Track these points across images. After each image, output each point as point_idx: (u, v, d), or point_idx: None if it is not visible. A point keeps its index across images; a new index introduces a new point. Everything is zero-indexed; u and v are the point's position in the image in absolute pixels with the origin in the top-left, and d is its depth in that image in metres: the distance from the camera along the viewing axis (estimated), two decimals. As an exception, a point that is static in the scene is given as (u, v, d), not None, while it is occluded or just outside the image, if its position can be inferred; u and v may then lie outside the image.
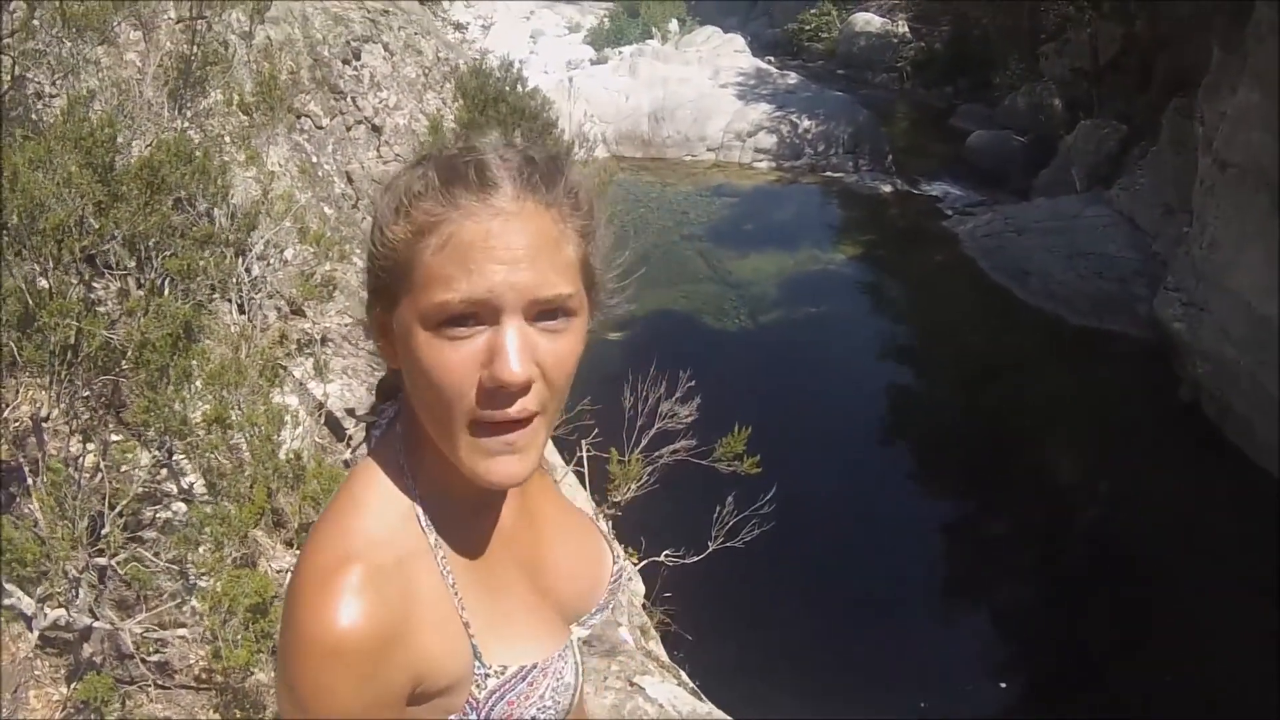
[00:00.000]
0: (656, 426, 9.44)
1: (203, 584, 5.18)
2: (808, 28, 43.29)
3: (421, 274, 1.65)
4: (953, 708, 12.84)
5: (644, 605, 9.94)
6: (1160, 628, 13.72)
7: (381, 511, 1.72)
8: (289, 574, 1.69)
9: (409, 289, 1.67)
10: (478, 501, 1.86)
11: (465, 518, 1.83)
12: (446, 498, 1.78)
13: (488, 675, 1.78)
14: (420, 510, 1.74)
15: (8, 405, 5.59)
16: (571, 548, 2.10)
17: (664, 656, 8.79)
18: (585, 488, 9.96)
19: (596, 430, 9.67)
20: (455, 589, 1.75)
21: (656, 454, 9.43)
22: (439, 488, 1.77)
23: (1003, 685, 13.26)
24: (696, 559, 9.74)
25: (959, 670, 13.64)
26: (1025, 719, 12.91)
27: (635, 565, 10.09)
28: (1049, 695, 13.17)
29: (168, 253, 5.78)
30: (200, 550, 5.12)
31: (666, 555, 9.99)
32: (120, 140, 6.02)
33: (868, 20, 41.04)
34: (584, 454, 9.63)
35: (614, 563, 2.21)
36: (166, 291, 5.82)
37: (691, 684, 8.10)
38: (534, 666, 1.86)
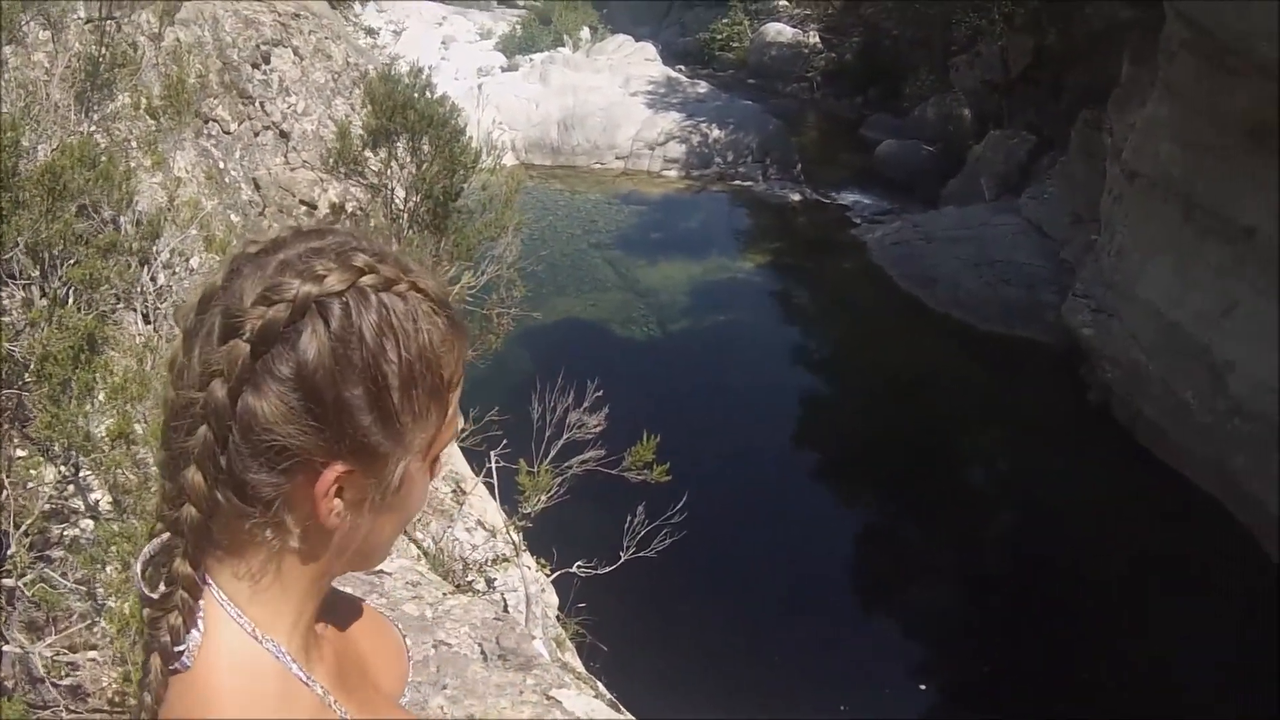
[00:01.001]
0: (565, 437, 9.37)
1: (111, 604, 5.04)
2: (719, 37, 43.51)
3: (446, 418, 1.65)
4: (872, 709, 12.89)
5: (558, 617, 9.87)
6: (1075, 628, 13.84)
7: (273, 689, 1.56)
8: None
9: (428, 439, 1.63)
10: (313, 630, 1.71)
11: (323, 651, 1.72)
12: (306, 641, 1.66)
13: None
14: (293, 666, 1.59)
15: (-94, 419, 5.45)
16: (371, 635, 1.97)
17: (580, 668, 8.72)
18: (495, 499, 9.88)
19: (505, 441, 9.59)
20: None
21: (566, 464, 9.36)
22: (297, 635, 1.63)
23: (921, 687, 13.33)
24: (609, 569, 9.68)
25: (877, 673, 13.75)
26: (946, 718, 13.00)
27: (548, 576, 10.02)
28: (966, 696, 13.27)
29: (71, 261, 5.63)
30: (108, 570, 4.98)
31: (579, 566, 9.92)
32: (25, 144, 5.87)
33: (779, 30, 41.27)
34: (493, 465, 9.53)
35: (405, 639, 2.14)
36: (70, 301, 5.68)
37: (609, 695, 8.03)
38: None
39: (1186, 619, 13.85)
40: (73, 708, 5.33)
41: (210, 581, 1.55)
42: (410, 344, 1.53)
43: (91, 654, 5.52)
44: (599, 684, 8.19)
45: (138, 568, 1.59)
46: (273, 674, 1.55)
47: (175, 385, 1.51)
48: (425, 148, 9.94)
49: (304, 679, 1.59)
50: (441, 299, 1.61)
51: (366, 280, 1.50)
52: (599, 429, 9.41)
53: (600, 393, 9.64)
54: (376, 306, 1.50)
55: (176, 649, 1.51)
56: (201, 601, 1.54)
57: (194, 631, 1.52)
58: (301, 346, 1.45)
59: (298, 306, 1.45)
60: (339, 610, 1.85)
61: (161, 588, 1.54)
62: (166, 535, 1.56)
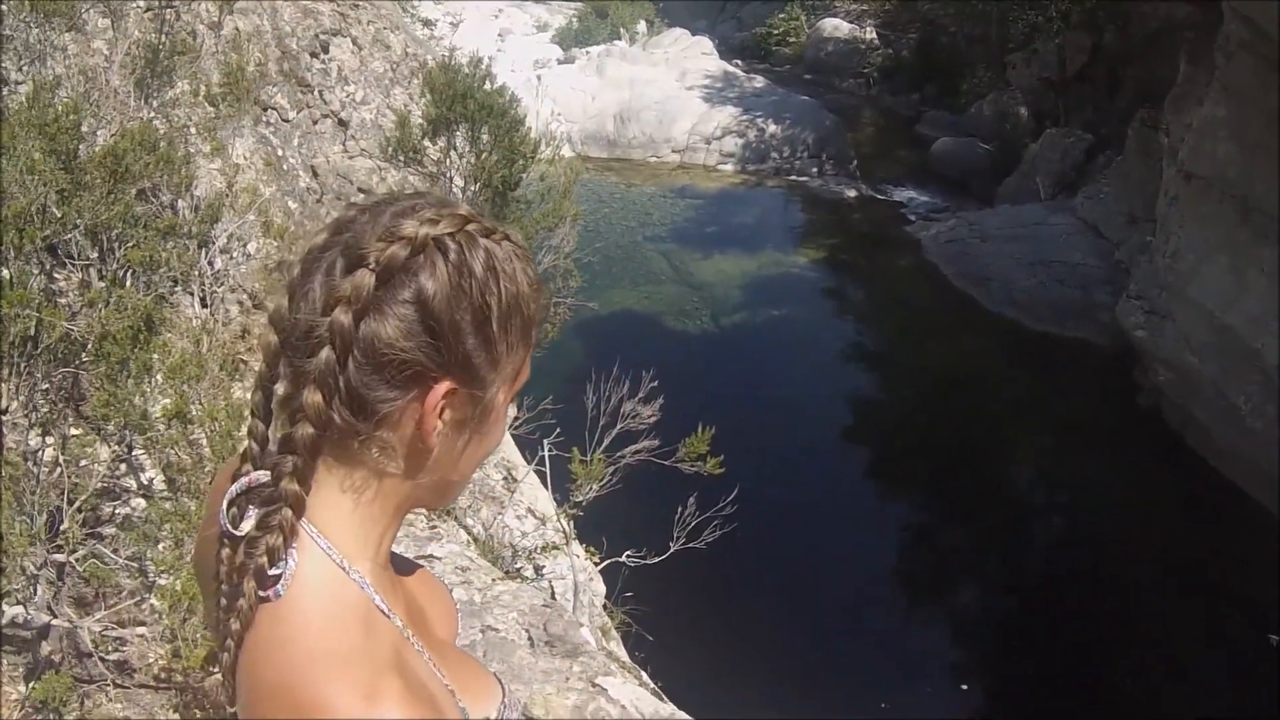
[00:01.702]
0: (620, 426, 9.40)
1: (162, 582, 5.10)
2: (775, 32, 43.34)
3: (527, 355, 1.84)
4: (913, 709, 12.87)
5: (605, 606, 9.90)
6: (1120, 632, 13.76)
7: (358, 619, 1.66)
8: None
9: (514, 371, 1.82)
10: (389, 564, 1.84)
11: (397, 591, 1.81)
12: (385, 578, 1.77)
13: None
14: (376, 598, 1.69)
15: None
16: (426, 589, 2.07)
17: (625, 657, 8.75)
18: (547, 487, 9.91)
19: (559, 429, 9.63)
20: (429, 660, 1.77)
21: (619, 454, 9.38)
22: (377, 566, 1.75)
23: (964, 687, 13.27)
24: (658, 559, 9.71)
25: (919, 672, 13.69)
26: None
27: (596, 566, 10.05)
28: (1009, 698, 13.21)
29: (130, 244, 5.69)
30: (160, 547, 5.04)
31: (628, 556, 9.95)
32: (85, 128, 5.94)
33: (836, 26, 41.10)
34: (546, 453, 9.57)
35: (453, 598, 2.21)
36: (128, 283, 5.74)
37: (653, 684, 8.06)
38: (504, 703, 1.92)
39: (1233, 628, 13.77)
40: (120, 682, 5.39)
41: (304, 517, 1.67)
42: (509, 283, 1.72)
43: (140, 630, 5.58)
44: (643, 673, 8.22)
45: (223, 506, 1.71)
46: (359, 606, 1.66)
47: (285, 322, 1.66)
48: (485, 137, 9.97)
49: (385, 610, 1.69)
50: (527, 249, 1.80)
51: (472, 227, 1.70)
52: (653, 419, 9.44)
53: (655, 383, 9.68)
54: (483, 248, 1.70)
55: (272, 572, 1.62)
56: (293, 549, 1.65)
57: (288, 562, 1.63)
58: (423, 276, 1.63)
59: (418, 244, 1.63)
60: (397, 563, 1.92)
61: (253, 516, 1.68)
62: (250, 476, 1.72)
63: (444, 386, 1.67)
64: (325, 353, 1.59)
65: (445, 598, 2.14)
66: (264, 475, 1.72)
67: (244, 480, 1.73)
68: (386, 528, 1.78)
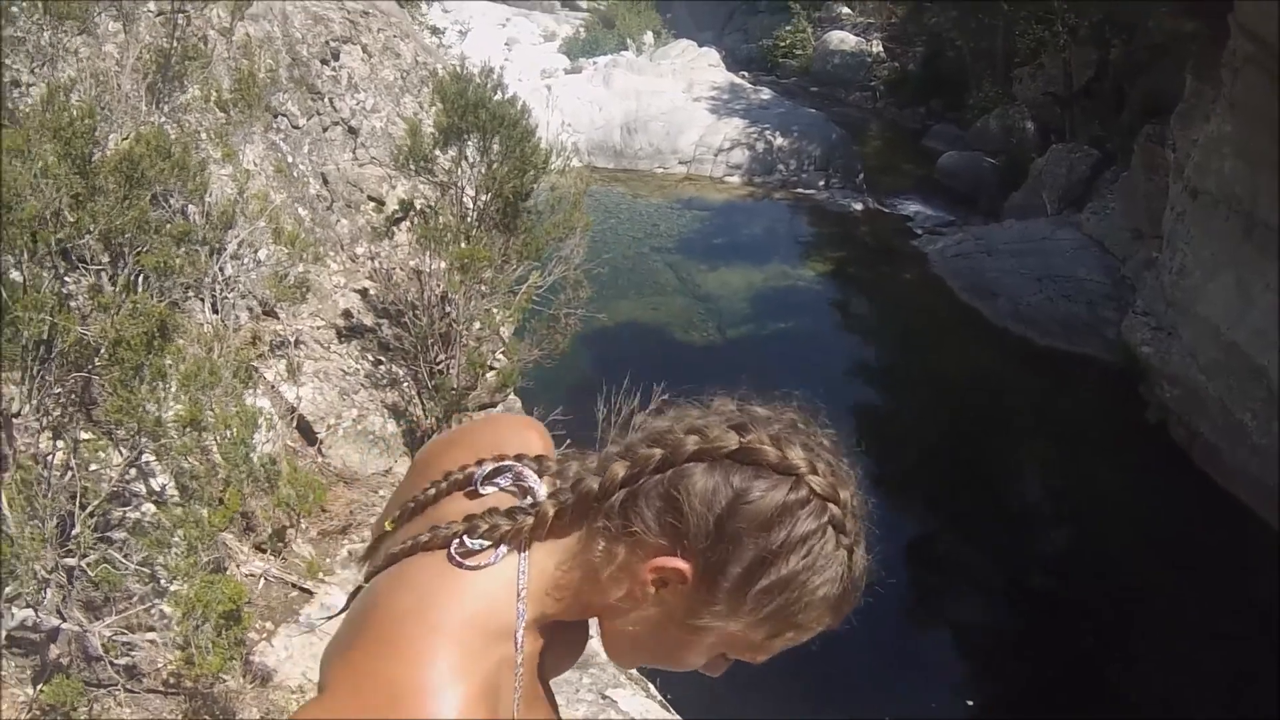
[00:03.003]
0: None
1: (173, 588, 5.09)
2: (782, 44, 43.35)
3: (761, 643, 1.80)
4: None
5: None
6: (1125, 646, 13.75)
7: (495, 632, 1.71)
8: (374, 647, 1.62)
9: (739, 639, 1.78)
10: (554, 639, 1.87)
11: (539, 637, 1.83)
12: (540, 623, 1.80)
13: None
14: (519, 632, 1.73)
15: (-27, 400, 5.50)
16: (561, 641, 1.99)
17: (633, 669, 8.74)
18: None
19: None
20: (518, 700, 1.77)
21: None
22: (539, 617, 1.78)
23: (969, 702, 13.27)
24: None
25: (923, 684, 13.70)
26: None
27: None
28: (1014, 711, 13.19)
29: (143, 249, 5.69)
30: (171, 553, 5.03)
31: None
32: (97, 133, 5.93)
33: (842, 39, 41.16)
34: (555, 466, 9.57)
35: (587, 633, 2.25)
36: (140, 289, 5.73)
37: (660, 697, 8.05)
38: None
39: (1237, 645, 13.76)
40: (128, 686, 5.38)
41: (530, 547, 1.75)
42: (809, 574, 1.70)
43: (150, 635, 5.57)
44: (650, 685, 8.22)
45: (485, 467, 1.87)
46: (502, 623, 1.70)
47: (655, 423, 1.81)
48: (496, 147, 9.97)
49: (518, 644, 1.72)
50: (856, 578, 1.80)
51: (833, 509, 1.70)
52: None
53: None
54: (819, 530, 1.69)
55: (479, 540, 1.72)
56: (505, 548, 1.73)
57: (495, 554, 1.73)
58: (760, 486, 1.66)
59: (787, 465, 1.67)
60: None
61: (492, 492, 1.84)
62: (528, 469, 1.85)
63: (681, 563, 1.67)
64: (655, 450, 1.69)
65: (575, 654, 2.11)
66: (534, 481, 1.84)
67: (521, 467, 1.86)
68: (567, 613, 1.80)
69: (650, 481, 1.68)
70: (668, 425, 1.75)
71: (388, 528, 1.94)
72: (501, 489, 1.86)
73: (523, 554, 1.75)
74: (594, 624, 1.97)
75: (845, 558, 1.74)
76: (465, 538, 1.73)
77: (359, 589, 1.89)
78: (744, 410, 1.78)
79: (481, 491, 1.85)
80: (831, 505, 1.70)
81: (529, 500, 1.80)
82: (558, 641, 1.92)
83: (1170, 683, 13.30)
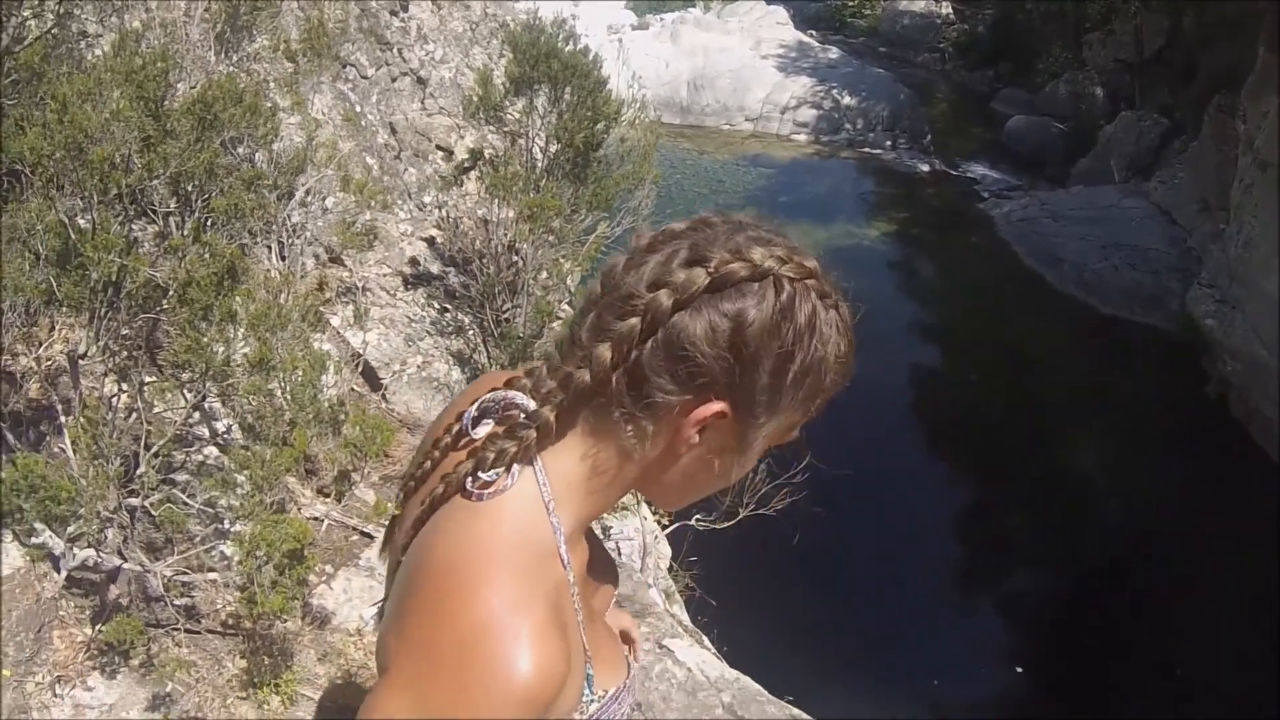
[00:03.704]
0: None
1: (236, 529, 5.14)
2: (851, 3, 43.02)
3: (800, 420, 1.87)
4: (965, 688, 12.89)
5: (670, 569, 9.94)
6: (1177, 624, 13.71)
7: (540, 552, 1.74)
8: (437, 600, 1.67)
9: (783, 427, 1.85)
10: (581, 532, 1.90)
11: (579, 552, 1.86)
12: (575, 538, 1.83)
13: (591, 701, 1.85)
14: (562, 547, 1.76)
15: (41, 344, 5.56)
16: (599, 559, 2.12)
17: (687, 621, 8.78)
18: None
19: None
20: (581, 622, 1.82)
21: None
22: (575, 525, 1.82)
23: (1018, 670, 13.26)
24: (727, 524, 9.76)
25: (973, 652, 13.73)
26: (1036, 705, 12.92)
27: (664, 529, 10.09)
28: (1062, 684, 13.17)
29: (214, 192, 5.72)
30: (236, 493, 5.08)
31: (696, 519, 10.00)
32: (169, 79, 5.96)
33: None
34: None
35: (619, 560, 2.29)
36: (210, 233, 5.77)
37: (714, 649, 8.09)
38: (624, 687, 1.97)
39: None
40: (188, 627, 5.44)
41: (539, 455, 1.78)
42: (820, 346, 1.76)
43: (211, 575, 5.63)
44: (705, 638, 8.25)
45: (472, 410, 1.91)
46: (545, 543, 1.73)
47: (612, 280, 1.77)
48: (567, 97, 9.98)
49: (564, 559, 1.76)
50: (849, 324, 1.87)
51: (812, 282, 1.75)
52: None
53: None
54: (813, 304, 1.75)
55: (491, 472, 1.74)
56: (519, 467, 1.75)
57: (508, 479, 1.74)
58: (750, 300, 1.68)
59: (759, 271, 1.68)
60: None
61: (488, 430, 1.86)
62: (510, 394, 1.88)
63: (717, 406, 1.70)
64: (633, 321, 1.67)
65: (612, 572, 2.22)
66: (521, 399, 1.86)
67: (501, 395, 1.90)
68: (602, 503, 1.85)
69: (645, 352, 1.69)
70: (629, 289, 1.72)
71: (395, 511, 1.97)
72: (495, 422, 1.88)
73: (537, 467, 1.77)
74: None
75: (837, 315, 1.81)
76: (477, 473, 1.75)
77: (394, 572, 1.91)
78: (686, 239, 1.76)
79: (475, 435, 1.87)
80: (810, 281, 1.75)
81: (523, 418, 1.80)
82: (594, 562, 2.00)
83: (1217, 663, 13.23)
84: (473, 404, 1.92)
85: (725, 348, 1.67)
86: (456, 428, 1.92)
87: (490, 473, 1.74)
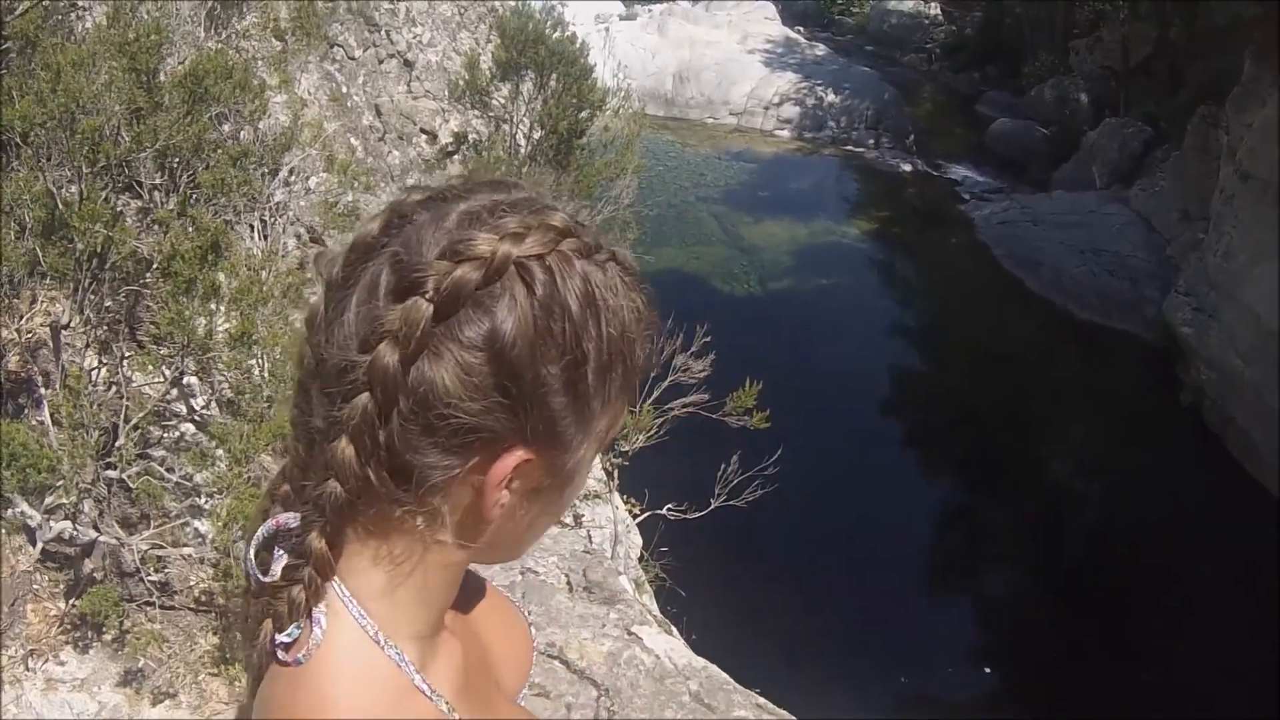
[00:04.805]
0: (670, 379, 9.43)
1: (210, 505, 5.15)
2: (839, 1, 43.12)
3: (624, 403, 1.46)
4: (932, 685, 12.93)
5: (641, 558, 9.95)
6: (1148, 626, 13.75)
7: (392, 698, 1.39)
8: None
9: (608, 425, 1.44)
10: (440, 629, 1.54)
11: (451, 649, 1.55)
12: (434, 644, 1.50)
13: None
14: (416, 677, 1.41)
15: (22, 315, 5.55)
16: (498, 626, 1.80)
17: (656, 610, 8.79)
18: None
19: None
20: None
21: (667, 406, 9.41)
22: (424, 635, 1.46)
23: (986, 670, 13.30)
24: (698, 515, 9.77)
25: (942, 649, 13.73)
26: (1004, 705, 12.97)
27: (636, 517, 10.10)
28: (1031, 684, 13.22)
29: (200, 167, 5.73)
30: (213, 468, 5.09)
31: (668, 509, 10.01)
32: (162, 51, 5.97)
33: (900, -1, 41.00)
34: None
35: (530, 627, 1.98)
36: (194, 207, 5.78)
37: (683, 639, 8.11)
38: None
39: (1255, 631, 13.73)
40: (162, 602, 5.44)
41: (335, 577, 1.39)
42: (612, 321, 1.37)
43: (186, 550, 5.63)
44: (674, 628, 8.27)
45: (250, 552, 1.42)
46: (393, 684, 1.39)
47: (317, 344, 1.36)
48: (553, 83, 10.00)
49: (426, 691, 1.43)
50: (637, 273, 1.47)
51: (568, 244, 1.34)
52: (704, 374, 9.47)
53: (708, 339, 9.70)
54: (580, 274, 1.34)
55: (287, 634, 1.36)
56: (320, 610, 1.37)
57: (315, 629, 1.35)
58: (499, 312, 1.28)
59: (495, 266, 1.27)
60: (465, 591, 1.62)
61: (283, 564, 1.39)
62: (278, 520, 1.43)
63: (515, 457, 1.33)
64: (363, 400, 1.28)
65: (517, 632, 1.89)
66: (293, 519, 1.42)
67: (271, 524, 1.43)
68: (440, 594, 1.48)
69: (394, 433, 1.30)
70: (339, 357, 1.30)
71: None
72: (287, 561, 1.41)
73: (342, 595, 1.38)
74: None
75: (617, 270, 1.40)
76: (277, 638, 1.36)
77: None
78: (383, 255, 1.32)
79: (268, 579, 1.40)
80: (565, 244, 1.33)
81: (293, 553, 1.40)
82: (480, 642, 1.71)
83: (1188, 663, 13.31)
84: (250, 547, 1.43)
85: (492, 390, 1.29)
86: (248, 585, 1.45)
87: (289, 632, 1.36)
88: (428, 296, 1.24)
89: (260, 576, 1.38)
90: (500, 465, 1.31)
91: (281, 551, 1.39)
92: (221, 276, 5.23)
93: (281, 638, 1.34)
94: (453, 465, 1.31)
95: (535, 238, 1.29)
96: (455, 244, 1.27)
